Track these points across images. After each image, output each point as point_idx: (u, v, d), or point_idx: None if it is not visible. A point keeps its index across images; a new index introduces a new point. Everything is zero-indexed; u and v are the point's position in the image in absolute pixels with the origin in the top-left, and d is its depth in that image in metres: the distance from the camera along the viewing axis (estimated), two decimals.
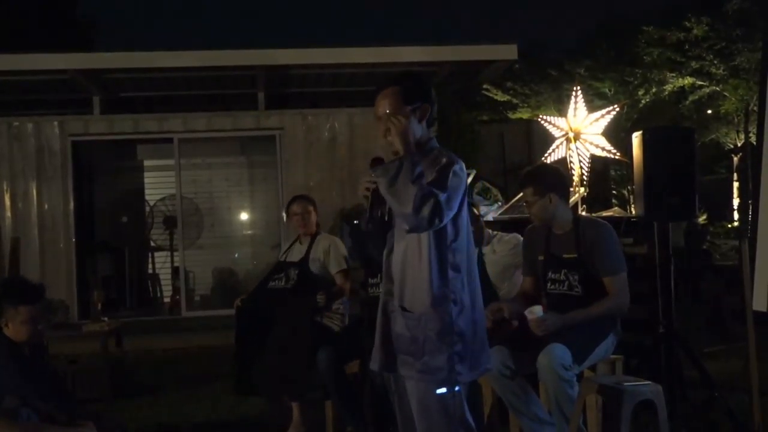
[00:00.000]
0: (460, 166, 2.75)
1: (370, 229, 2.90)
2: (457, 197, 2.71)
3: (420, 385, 2.74)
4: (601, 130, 6.99)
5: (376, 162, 2.86)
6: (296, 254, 5.02)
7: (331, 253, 4.97)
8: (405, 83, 2.84)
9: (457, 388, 2.74)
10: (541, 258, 4.03)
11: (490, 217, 6.20)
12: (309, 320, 4.74)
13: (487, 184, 6.84)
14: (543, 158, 7.22)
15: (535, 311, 3.76)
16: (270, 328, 4.78)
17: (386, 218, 2.87)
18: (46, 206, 9.92)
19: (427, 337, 2.71)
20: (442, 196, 2.62)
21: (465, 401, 2.78)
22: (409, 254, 2.78)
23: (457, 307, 2.73)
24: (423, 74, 3.18)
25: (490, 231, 4.67)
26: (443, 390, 2.71)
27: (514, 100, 20.19)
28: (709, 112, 19.12)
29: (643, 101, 18.35)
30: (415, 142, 2.77)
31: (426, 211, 2.58)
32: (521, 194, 4.64)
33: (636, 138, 4.92)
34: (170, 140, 10.33)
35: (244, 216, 12.30)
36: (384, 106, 2.82)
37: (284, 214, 5.13)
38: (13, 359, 3.55)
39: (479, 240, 4.52)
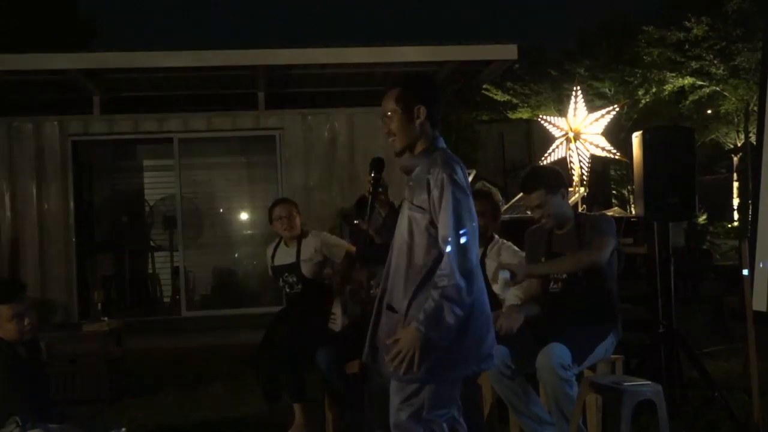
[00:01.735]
0: (458, 172, 2.78)
1: (375, 228, 2.95)
2: (468, 212, 2.79)
3: (393, 381, 2.85)
4: (601, 130, 7.00)
5: (376, 162, 2.92)
6: (286, 257, 5.02)
7: (327, 248, 4.99)
8: (403, 85, 2.91)
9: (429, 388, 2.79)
10: (543, 260, 4.03)
11: None
12: (318, 321, 4.81)
13: (487, 184, 6.84)
14: (543, 158, 7.22)
15: (504, 277, 3.74)
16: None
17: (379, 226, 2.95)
18: (46, 206, 9.91)
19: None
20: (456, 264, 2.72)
21: (436, 402, 2.82)
22: (398, 257, 2.89)
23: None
24: (426, 75, 3.21)
25: (497, 236, 4.61)
26: (413, 388, 2.79)
27: (514, 100, 20.18)
28: (709, 112, 19.11)
29: (643, 101, 18.34)
30: (411, 143, 2.89)
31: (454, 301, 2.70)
32: (520, 197, 4.60)
33: (636, 138, 4.93)
34: (170, 140, 10.32)
35: (244, 216, 12.29)
36: (384, 108, 2.92)
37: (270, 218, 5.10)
38: (9, 358, 3.55)
39: (490, 232, 4.45)
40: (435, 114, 2.91)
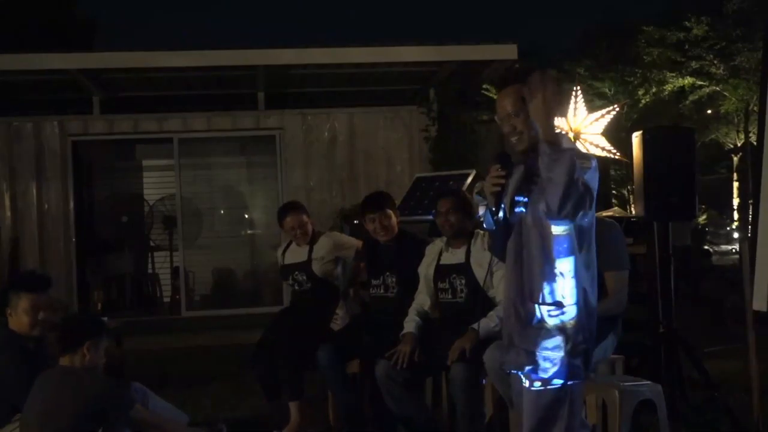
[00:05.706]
0: (596, 164, 2.71)
1: (496, 231, 2.85)
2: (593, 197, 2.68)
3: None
4: (601, 130, 6.97)
5: (502, 157, 2.82)
6: (297, 255, 5.02)
7: (338, 248, 4.98)
8: (524, 80, 2.71)
9: (547, 386, 2.72)
10: None
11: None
12: (320, 320, 4.80)
13: None
14: None
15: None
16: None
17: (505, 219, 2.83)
18: (46, 206, 9.91)
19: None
20: (587, 191, 2.62)
21: (555, 400, 2.72)
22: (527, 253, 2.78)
23: (559, 309, 2.71)
24: (530, 65, 3.01)
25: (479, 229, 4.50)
26: (536, 384, 2.74)
27: None
28: (709, 112, 19.13)
29: (643, 101, 18.36)
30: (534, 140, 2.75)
31: (571, 202, 2.58)
32: None
33: (636, 138, 4.92)
34: (170, 140, 10.32)
35: (244, 216, 12.28)
36: (506, 107, 2.79)
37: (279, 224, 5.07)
38: (20, 352, 3.55)
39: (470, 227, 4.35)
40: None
